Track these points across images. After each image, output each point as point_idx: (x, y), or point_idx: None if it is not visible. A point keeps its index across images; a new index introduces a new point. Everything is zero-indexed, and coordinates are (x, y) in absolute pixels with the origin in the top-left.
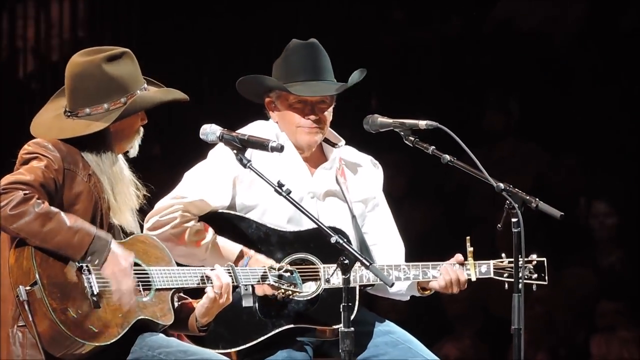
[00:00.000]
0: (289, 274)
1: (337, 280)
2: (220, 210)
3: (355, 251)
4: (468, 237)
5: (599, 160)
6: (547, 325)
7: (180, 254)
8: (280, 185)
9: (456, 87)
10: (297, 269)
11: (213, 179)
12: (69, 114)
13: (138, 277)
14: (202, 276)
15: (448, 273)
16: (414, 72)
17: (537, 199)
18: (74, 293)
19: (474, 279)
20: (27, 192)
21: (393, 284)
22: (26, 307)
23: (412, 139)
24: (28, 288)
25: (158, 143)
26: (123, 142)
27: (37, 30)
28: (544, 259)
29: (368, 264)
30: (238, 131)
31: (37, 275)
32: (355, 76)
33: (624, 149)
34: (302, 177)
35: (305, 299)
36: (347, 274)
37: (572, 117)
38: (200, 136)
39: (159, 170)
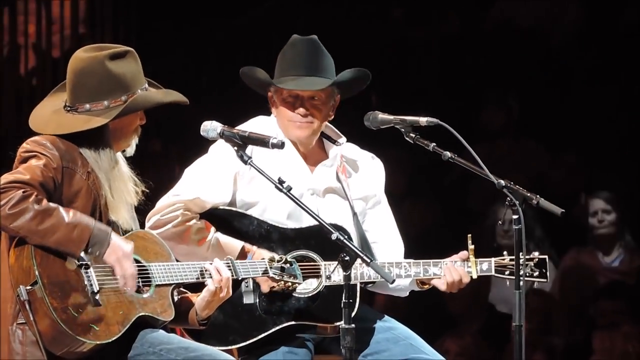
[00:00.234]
0: (287, 265)
1: (338, 277)
2: (221, 207)
3: (356, 248)
4: (469, 235)
5: (598, 157)
6: (546, 323)
7: (182, 252)
8: (281, 182)
9: (456, 85)
10: (299, 265)
11: (214, 176)
12: (69, 108)
13: (138, 274)
14: (202, 270)
15: (451, 274)
16: (414, 69)
17: (537, 196)
18: (75, 291)
19: (475, 276)
20: (25, 190)
21: (394, 281)
22: (27, 306)
23: (413, 135)
24: (29, 287)
25: (158, 139)
26: (121, 141)
27: (38, 26)
28: (546, 256)
29: (368, 260)
30: (239, 127)
31: (37, 275)
32: (347, 74)
33: (623, 146)
34: (301, 174)
35: (306, 295)
36: (347, 271)
37: (571, 115)
38: (201, 133)
39: (159, 166)
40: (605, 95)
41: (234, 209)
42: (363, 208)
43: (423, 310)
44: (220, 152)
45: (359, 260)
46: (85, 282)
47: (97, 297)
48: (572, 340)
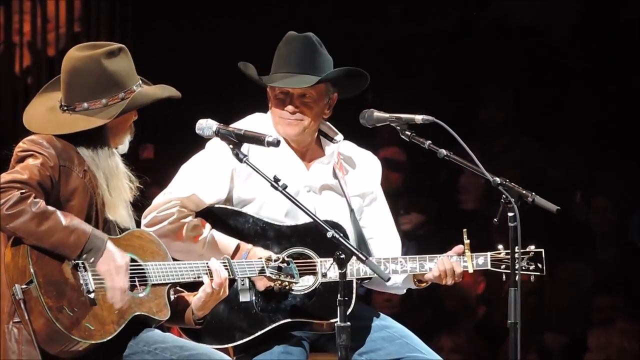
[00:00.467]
0: (285, 264)
1: (333, 274)
2: (217, 205)
3: (351, 245)
4: (465, 230)
5: (596, 154)
6: (543, 319)
7: (178, 249)
8: (277, 179)
9: (452, 82)
10: (294, 263)
11: (210, 173)
12: (66, 108)
13: (134, 273)
14: (200, 270)
15: (443, 264)
16: (411, 67)
17: (533, 193)
18: (70, 291)
19: (471, 270)
20: (23, 191)
21: (389, 279)
22: (22, 305)
23: (409, 133)
24: (24, 287)
25: (154, 137)
26: (117, 138)
27: (34, 25)
28: (542, 250)
29: (364, 258)
30: (234, 125)
31: (33, 274)
32: (336, 72)
33: (621, 143)
34: (297, 171)
35: (302, 293)
36: (343, 268)
37: (568, 113)
38: (197, 131)
39: (155, 164)
40: (603, 92)
41: (229, 206)
42: (360, 205)
43: (419, 307)
44: (217, 149)
45: (355, 257)
46: (81, 282)
47: (93, 296)
48: (568, 338)
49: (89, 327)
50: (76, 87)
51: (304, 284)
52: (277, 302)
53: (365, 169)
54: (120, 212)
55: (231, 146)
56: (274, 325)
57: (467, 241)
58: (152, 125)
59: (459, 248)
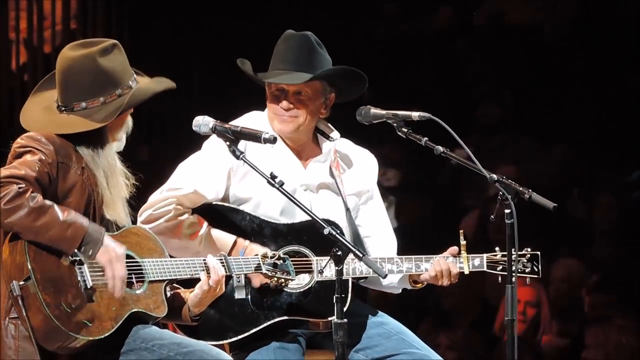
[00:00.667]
0: (281, 261)
1: (330, 272)
2: (214, 203)
3: (348, 242)
4: (461, 231)
5: (593, 151)
6: (540, 316)
7: (174, 246)
8: (273, 177)
9: (449, 79)
10: (291, 261)
11: (207, 171)
12: (64, 108)
13: (131, 270)
14: (197, 267)
15: (439, 264)
16: (407, 64)
17: (530, 190)
18: (68, 287)
19: (467, 272)
20: (21, 186)
21: (386, 276)
22: (20, 302)
23: (405, 130)
24: (22, 283)
25: (151, 136)
26: (115, 134)
27: (30, 22)
28: (538, 252)
29: (361, 255)
30: (231, 122)
31: (30, 270)
32: (329, 70)
33: (617, 140)
34: (294, 170)
35: (298, 291)
36: (339, 265)
37: (565, 110)
38: (193, 128)
39: (150, 163)
40: (599, 89)
41: (226, 204)
42: (356, 203)
43: (415, 305)
44: (214, 147)
45: (351, 256)
46: (79, 278)
47: (90, 293)
48: (564, 335)
49: (86, 323)
50: (73, 86)
51: (299, 282)
52: (272, 300)
53: (361, 167)
54: (118, 209)
55: (228, 143)
56: (268, 323)
57: (463, 242)
58: (147, 125)
59: (453, 249)
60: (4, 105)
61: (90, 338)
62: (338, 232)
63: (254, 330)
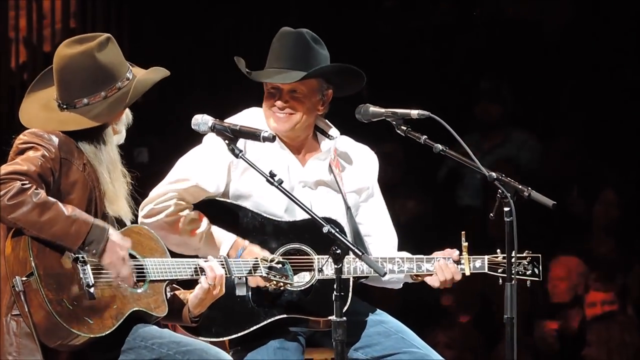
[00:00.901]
0: (280, 265)
1: (330, 271)
2: (215, 199)
3: (348, 241)
4: (463, 232)
5: (592, 148)
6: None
7: (174, 242)
8: (273, 175)
9: (448, 76)
10: (292, 259)
11: (208, 164)
12: (65, 106)
13: (132, 269)
14: (196, 267)
15: (443, 273)
16: (406, 61)
17: (529, 188)
18: (70, 284)
19: (468, 273)
20: (25, 182)
21: (385, 274)
22: (22, 297)
23: (404, 128)
24: (24, 279)
25: (148, 136)
26: (116, 127)
27: (29, 20)
28: (539, 255)
29: (360, 253)
30: (230, 120)
31: (33, 266)
32: (324, 68)
33: (617, 137)
34: (292, 167)
35: (298, 289)
36: (339, 264)
37: (564, 106)
38: (192, 126)
39: (150, 162)
40: (599, 85)
41: (228, 200)
42: (356, 201)
43: (415, 302)
44: (214, 142)
45: (351, 254)
46: (81, 276)
47: (92, 290)
48: (566, 332)
49: (88, 320)
50: (73, 83)
51: (300, 280)
52: (273, 298)
53: (361, 164)
54: (121, 204)
55: (227, 141)
56: (269, 321)
57: (465, 243)
58: (146, 124)
59: (451, 252)
60: (3, 103)
61: (92, 335)
62: (337, 230)
63: (255, 327)
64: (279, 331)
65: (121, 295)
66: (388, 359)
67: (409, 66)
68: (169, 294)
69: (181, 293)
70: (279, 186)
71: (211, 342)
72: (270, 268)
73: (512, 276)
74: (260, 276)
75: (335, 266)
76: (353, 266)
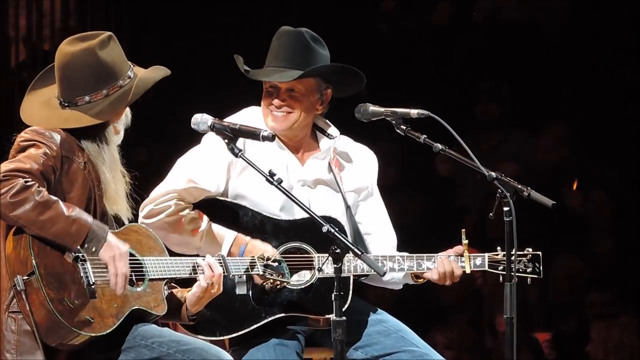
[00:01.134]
0: (277, 264)
1: (330, 269)
2: (215, 198)
3: (347, 240)
4: (463, 230)
5: (590, 147)
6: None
7: (175, 242)
8: (272, 174)
9: (447, 76)
10: (292, 257)
11: (207, 164)
12: (67, 104)
13: (131, 267)
14: (194, 266)
15: (443, 265)
16: (405, 61)
17: (528, 188)
18: (71, 283)
19: (468, 271)
20: (27, 179)
21: (385, 273)
22: (23, 296)
23: (404, 127)
24: (25, 278)
25: (146, 137)
26: (117, 126)
27: (29, 19)
28: (539, 252)
29: (360, 253)
30: (229, 119)
31: (34, 265)
32: (321, 67)
33: (616, 136)
34: (291, 166)
35: (299, 287)
36: (338, 263)
37: (563, 106)
38: (192, 126)
39: (148, 162)
40: (597, 84)
41: (228, 199)
42: (355, 200)
43: (414, 302)
44: (213, 142)
45: (351, 253)
46: (82, 274)
47: (93, 289)
48: (566, 331)
49: (89, 319)
50: (75, 81)
51: (300, 279)
52: (273, 296)
53: (361, 164)
54: (122, 203)
55: (226, 141)
56: (269, 319)
57: (465, 241)
58: (145, 125)
59: (458, 249)
60: (3, 102)
61: (92, 334)
62: (337, 229)
63: (255, 326)
64: (279, 330)
65: (122, 293)
66: (388, 358)
67: (409, 66)
68: (166, 292)
69: (179, 291)
70: (278, 185)
71: (211, 341)
72: (266, 266)
73: (512, 274)
74: (258, 275)
75: (335, 265)
76: (353, 264)
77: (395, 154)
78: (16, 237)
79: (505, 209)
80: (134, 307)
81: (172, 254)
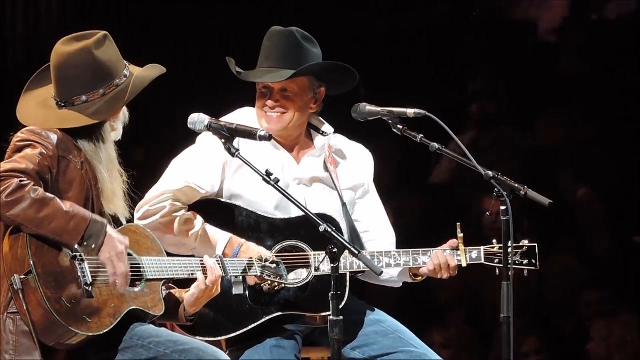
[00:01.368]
0: (274, 265)
1: (327, 267)
2: (210, 198)
3: (344, 239)
4: (459, 224)
5: (589, 146)
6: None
7: (170, 243)
8: (269, 174)
9: (444, 75)
10: (288, 256)
11: (202, 164)
12: (63, 103)
13: (130, 268)
14: (194, 267)
15: (437, 257)
16: (402, 60)
17: (525, 187)
18: (68, 282)
19: (464, 265)
20: (22, 179)
21: (382, 273)
22: (20, 295)
23: (401, 127)
24: (23, 277)
25: (145, 136)
26: (114, 124)
27: (26, 19)
28: (535, 244)
29: (357, 252)
30: (224, 119)
31: (32, 264)
32: (313, 66)
33: (612, 135)
34: (287, 165)
35: (295, 286)
36: (335, 262)
37: (560, 105)
38: (188, 125)
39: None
40: (595, 84)
41: (222, 200)
42: (352, 198)
43: (412, 302)
44: (208, 142)
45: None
46: (79, 274)
47: (90, 289)
48: (565, 329)
49: (86, 319)
50: (72, 81)
51: (297, 278)
52: (270, 296)
53: (357, 161)
54: (119, 202)
55: (223, 140)
56: (267, 318)
57: (460, 235)
58: (143, 125)
59: (453, 242)
60: (1, 103)
61: (90, 334)
62: (334, 228)
63: (253, 325)
64: (276, 329)
65: (118, 293)
66: (385, 359)
67: (407, 66)
68: (164, 293)
69: (176, 292)
70: (275, 185)
71: (208, 342)
72: (264, 267)
73: (509, 266)
74: (256, 276)
75: (332, 265)
76: (349, 261)
77: (392, 154)
78: (13, 237)
79: (502, 208)
80: (132, 307)
81: (170, 254)
